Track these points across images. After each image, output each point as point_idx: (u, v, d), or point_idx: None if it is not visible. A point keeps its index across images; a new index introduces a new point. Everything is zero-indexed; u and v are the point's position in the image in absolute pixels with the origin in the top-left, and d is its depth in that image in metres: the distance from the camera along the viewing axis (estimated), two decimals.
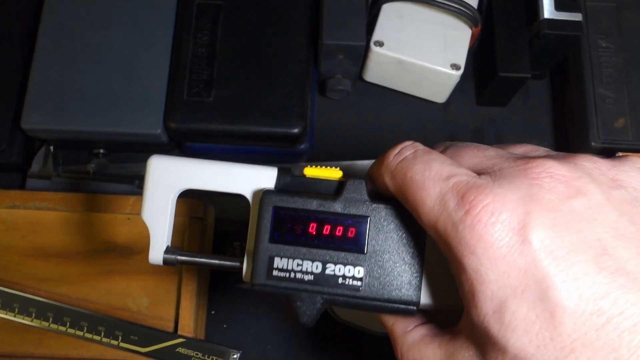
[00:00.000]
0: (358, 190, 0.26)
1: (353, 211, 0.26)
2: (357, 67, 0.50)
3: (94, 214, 0.44)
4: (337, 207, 0.26)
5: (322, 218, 0.26)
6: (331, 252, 0.26)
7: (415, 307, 0.26)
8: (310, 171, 0.27)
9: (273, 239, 0.26)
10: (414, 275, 0.26)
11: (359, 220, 0.26)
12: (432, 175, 0.23)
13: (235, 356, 0.42)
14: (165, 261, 0.28)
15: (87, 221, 0.44)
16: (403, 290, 0.26)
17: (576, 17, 0.47)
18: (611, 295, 0.19)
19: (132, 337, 0.41)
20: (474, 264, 0.21)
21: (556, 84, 0.54)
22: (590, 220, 0.21)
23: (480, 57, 0.53)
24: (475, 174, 0.23)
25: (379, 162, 0.26)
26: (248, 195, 0.27)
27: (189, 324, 0.42)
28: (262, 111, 0.46)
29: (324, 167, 0.27)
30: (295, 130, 0.46)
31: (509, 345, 0.21)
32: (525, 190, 0.21)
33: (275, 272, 0.26)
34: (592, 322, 0.19)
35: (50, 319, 0.42)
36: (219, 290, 0.48)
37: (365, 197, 0.26)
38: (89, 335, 0.42)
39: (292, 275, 0.26)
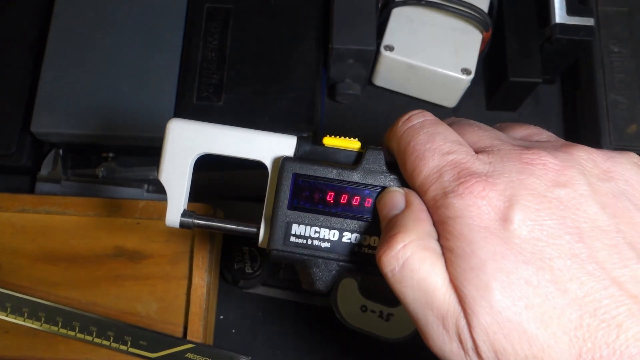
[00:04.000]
0: (376, 161, 0.26)
1: (371, 181, 0.26)
2: (366, 71, 0.50)
3: (103, 218, 0.44)
4: (356, 176, 0.26)
5: (340, 187, 0.26)
6: (348, 221, 0.26)
7: None
8: (330, 141, 0.28)
9: (291, 206, 0.26)
10: None
11: (377, 191, 0.26)
12: (433, 147, 0.24)
13: None
14: (182, 224, 0.28)
15: (96, 225, 0.44)
16: None
17: (588, 21, 0.47)
18: (579, 279, 0.21)
19: (141, 342, 0.41)
20: (458, 225, 0.22)
21: (567, 89, 0.53)
22: (574, 210, 0.22)
23: (491, 62, 0.53)
24: (473, 154, 0.24)
25: (390, 127, 0.27)
26: (267, 162, 0.28)
27: (198, 329, 0.42)
28: (272, 115, 0.46)
29: (342, 137, 0.28)
30: (305, 135, 0.45)
31: (494, 299, 0.22)
32: (517, 174, 0.22)
33: (292, 239, 0.26)
34: (559, 300, 0.21)
35: (60, 324, 0.42)
36: (228, 294, 0.47)
37: (384, 168, 0.26)
38: (98, 340, 0.41)
39: (309, 242, 0.26)
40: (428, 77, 0.49)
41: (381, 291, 0.47)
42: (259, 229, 0.28)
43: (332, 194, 0.26)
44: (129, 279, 0.44)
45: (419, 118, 0.26)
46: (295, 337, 0.47)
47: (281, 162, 0.26)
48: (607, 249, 0.21)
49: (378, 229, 0.26)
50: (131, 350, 0.41)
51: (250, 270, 0.46)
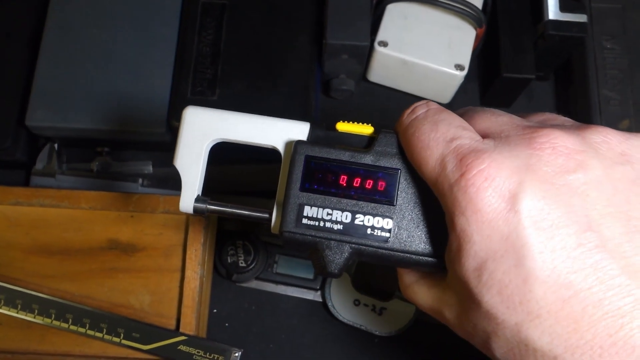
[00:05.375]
0: (390, 144, 0.26)
1: (384, 164, 0.26)
2: (361, 67, 0.50)
3: (97, 211, 0.45)
4: (369, 159, 0.26)
5: (353, 169, 0.26)
6: (361, 203, 0.26)
7: (438, 260, 0.26)
8: (343, 126, 0.28)
9: (304, 188, 0.26)
10: (443, 229, 0.25)
11: (390, 173, 0.26)
12: (437, 136, 0.24)
13: (236, 354, 0.41)
14: (195, 209, 0.28)
15: (90, 218, 0.45)
16: (431, 243, 0.26)
17: (581, 18, 0.47)
18: (583, 270, 0.20)
19: (134, 334, 0.41)
20: (462, 224, 0.22)
21: (560, 85, 0.54)
22: (583, 196, 0.21)
23: (485, 58, 0.53)
24: (479, 138, 0.23)
25: (397, 120, 0.27)
26: (280, 147, 0.28)
27: (191, 322, 0.42)
28: (266, 110, 0.45)
29: (355, 123, 0.28)
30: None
31: (483, 302, 0.22)
32: (524, 159, 0.22)
33: (304, 220, 0.26)
34: (560, 293, 0.20)
35: (53, 316, 0.42)
36: (221, 288, 0.48)
37: (396, 150, 0.26)
38: (91, 332, 0.42)
39: (322, 224, 0.26)
40: (422, 73, 0.49)
41: (374, 285, 0.47)
42: (271, 213, 0.28)
43: (345, 176, 0.26)
44: (122, 271, 0.44)
45: (422, 109, 0.26)
46: (288, 331, 0.47)
47: (294, 145, 0.27)
48: (618, 237, 0.21)
49: (391, 211, 0.26)
50: (124, 342, 0.41)
51: (243, 264, 0.46)
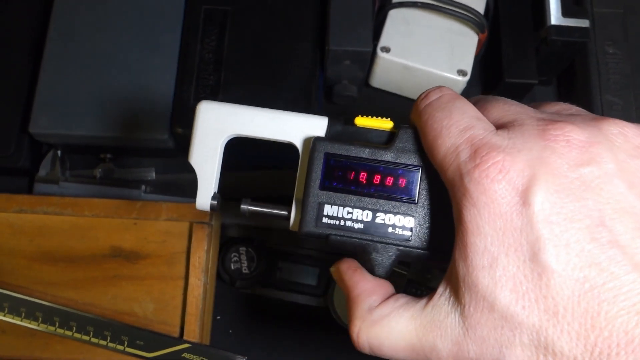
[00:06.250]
0: (409, 140, 0.26)
1: (405, 160, 0.26)
2: (363, 72, 0.50)
3: (100, 218, 0.45)
4: (389, 156, 0.26)
5: (373, 166, 0.26)
6: (382, 201, 0.26)
7: None
8: (362, 121, 0.27)
9: (323, 186, 0.26)
10: None
11: (411, 170, 0.26)
12: (450, 124, 0.23)
13: None
14: (212, 207, 0.28)
15: (94, 226, 0.45)
16: (453, 241, 0.25)
17: (583, 23, 0.47)
18: (598, 265, 0.20)
19: (137, 342, 0.41)
20: (473, 216, 0.21)
21: (563, 90, 0.54)
22: (596, 190, 0.21)
23: (487, 63, 0.53)
24: (493, 129, 0.23)
25: (413, 106, 0.26)
26: (298, 143, 0.27)
27: (195, 329, 0.42)
28: None
29: (375, 117, 0.27)
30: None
31: (497, 303, 0.21)
32: (538, 152, 0.21)
33: (324, 220, 0.26)
34: (576, 288, 0.20)
35: (57, 324, 0.42)
36: (225, 295, 0.48)
37: (417, 146, 0.26)
38: (95, 340, 0.42)
39: (342, 223, 0.26)
40: (424, 79, 0.49)
41: None
42: (290, 211, 0.27)
43: (365, 174, 0.26)
44: (126, 279, 0.44)
45: (436, 94, 0.25)
46: (292, 338, 0.47)
47: (312, 142, 0.26)
48: (630, 233, 0.20)
49: (412, 209, 0.25)
50: (128, 350, 0.41)
51: (247, 271, 0.46)
